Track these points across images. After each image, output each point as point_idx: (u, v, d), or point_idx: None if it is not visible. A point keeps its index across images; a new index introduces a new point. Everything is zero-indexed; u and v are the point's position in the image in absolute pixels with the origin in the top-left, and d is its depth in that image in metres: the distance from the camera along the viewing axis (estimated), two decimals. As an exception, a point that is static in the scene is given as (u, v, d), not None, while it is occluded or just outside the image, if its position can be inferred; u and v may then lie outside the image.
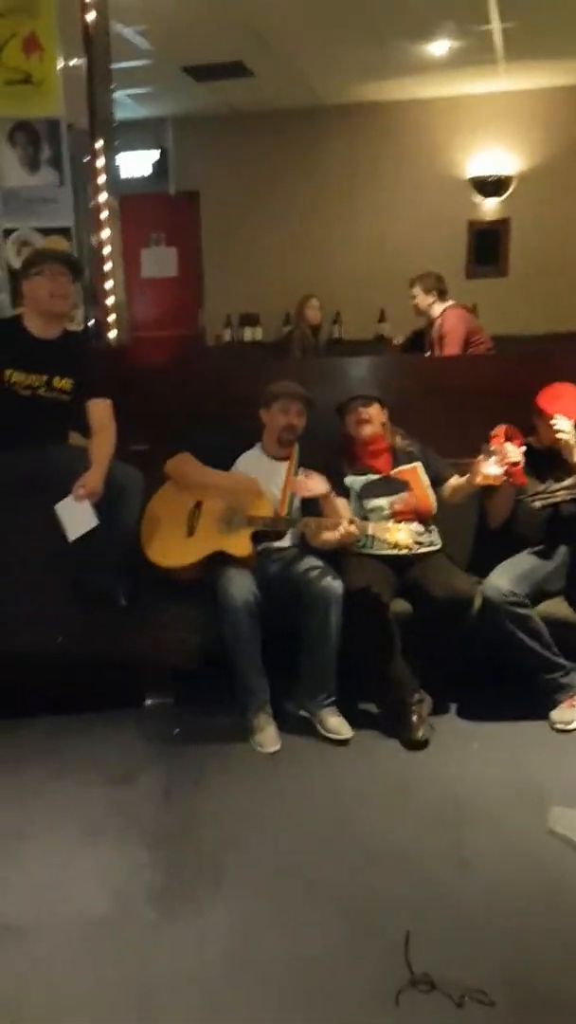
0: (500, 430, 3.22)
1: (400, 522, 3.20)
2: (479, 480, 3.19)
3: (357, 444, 3.45)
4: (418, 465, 3.44)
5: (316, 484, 3.18)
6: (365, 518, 3.29)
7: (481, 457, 3.18)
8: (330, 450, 3.49)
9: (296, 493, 3.24)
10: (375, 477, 3.40)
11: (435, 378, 4.03)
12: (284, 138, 7.23)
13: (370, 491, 3.38)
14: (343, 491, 3.37)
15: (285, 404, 3.38)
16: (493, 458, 3.15)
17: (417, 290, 5.31)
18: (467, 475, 3.28)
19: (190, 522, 3.37)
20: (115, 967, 2.10)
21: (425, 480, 3.41)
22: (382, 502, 3.34)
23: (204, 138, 7.46)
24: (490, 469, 3.15)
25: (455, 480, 3.39)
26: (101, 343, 4.20)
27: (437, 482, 3.43)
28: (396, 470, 3.42)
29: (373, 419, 3.41)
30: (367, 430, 3.40)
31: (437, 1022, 1.90)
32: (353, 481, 3.39)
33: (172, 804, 2.80)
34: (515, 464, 3.15)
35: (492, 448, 3.17)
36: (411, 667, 3.21)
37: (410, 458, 3.46)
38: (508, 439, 3.20)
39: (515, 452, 3.16)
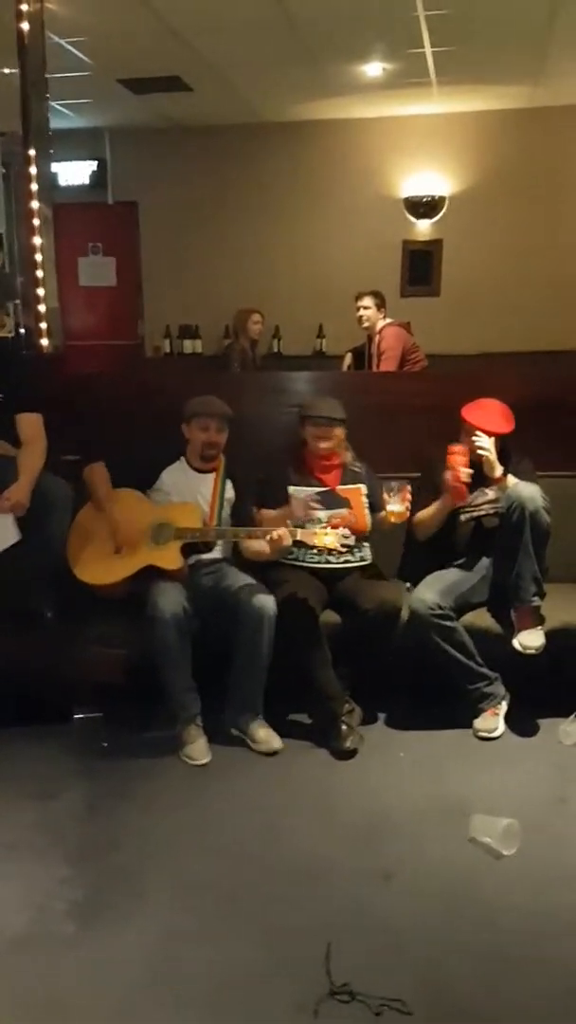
0: (455, 449, 3.29)
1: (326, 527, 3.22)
2: (387, 518, 3.29)
3: (310, 455, 3.48)
4: (362, 487, 3.48)
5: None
6: (301, 526, 3.32)
7: (385, 495, 3.26)
8: (269, 462, 3.50)
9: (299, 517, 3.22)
10: (320, 489, 3.43)
11: (370, 394, 4.08)
12: (223, 152, 7.25)
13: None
14: (285, 498, 3.38)
15: (204, 421, 3.40)
16: (395, 495, 3.24)
17: (368, 302, 5.41)
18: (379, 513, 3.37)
19: (117, 538, 3.34)
20: (32, 984, 2.07)
21: (365, 501, 3.46)
22: (321, 515, 3.35)
23: (142, 149, 7.45)
24: (393, 506, 3.24)
25: (429, 509, 3.42)
26: (32, 351, 4.16)
27: (375, 508, 3.46)
28: (340, 487, 3.46)
29: (334, 438, 3.44)
30: (325, 445, 3.43)
31: (355, 1031, 1.91)
32: (296, 491, 3.39)
33: (97, 819, 2.77)
34: (465, 483, 3.25)
35: (391, 485, 3.26)
36: (341, 678, 3.24)
37: (356, 478, 3.50)
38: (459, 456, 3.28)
39: (466, 472, 3.24)
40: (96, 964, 2.13)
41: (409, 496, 3.24)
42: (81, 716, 3.37)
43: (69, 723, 3.34)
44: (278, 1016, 1.96)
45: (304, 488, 3.42)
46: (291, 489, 3.40)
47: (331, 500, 3.41)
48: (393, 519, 3.28)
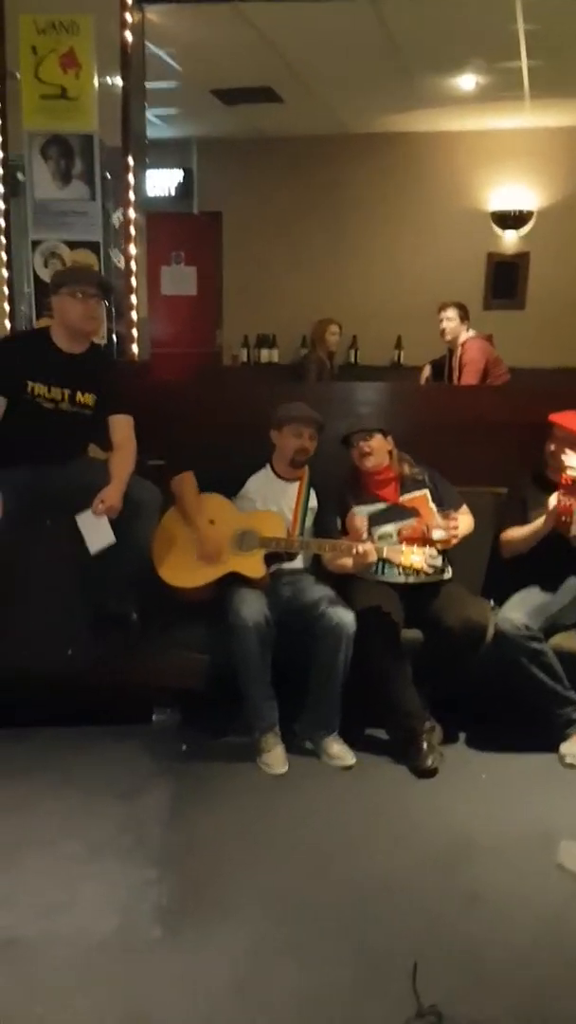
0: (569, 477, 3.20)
1: (413, 546, 3.20)
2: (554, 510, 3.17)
3: (363, 475, 3.45)
4: (426, 492, 3.44)
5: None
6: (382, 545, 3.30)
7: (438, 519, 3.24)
8: (337, 484, 3.49)
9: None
10: (382, 506, 3.40)
11: (450, 407, 4.04)
12: (308, 164, 7.28)
13: (377, 519, 3.37)
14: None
15: (297, 428, 3.38)
16: (442, 522, 3.20)
17: (452, 313, 5.35)
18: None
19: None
20: (118, 986, 2.08)
21: (433, 506, 3.40)
22: (390, 528, 3.33)
23: (229, 160, 7.52)
24: (437, 533, 3.19)
25: (523, 530, 3.34)
26: (124, 358, 4.23)
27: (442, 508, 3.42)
28: (404, 497, 3.43)
29: (376, 451, 3.40)
30: (370, 462, 3.41)
31: (444, 1056, 1.88)
32: (359, 511, 3.37)
33: (179, 822, 2.78)
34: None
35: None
36: (422, 695, 3.20)
37: (418, 485, 3.46)
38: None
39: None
40: (181, 972, 2.13)
41: (456, 527, 3.19)
42: (160, 718, 3.42)
43: (148, 724, 3.39)
44: (365, 1035, 1.94)
45: (365, 507, 3.38)
46: (354, 509, 3.37)
47: (397, 513, 3.38)
48: (439, 546, 3.22)
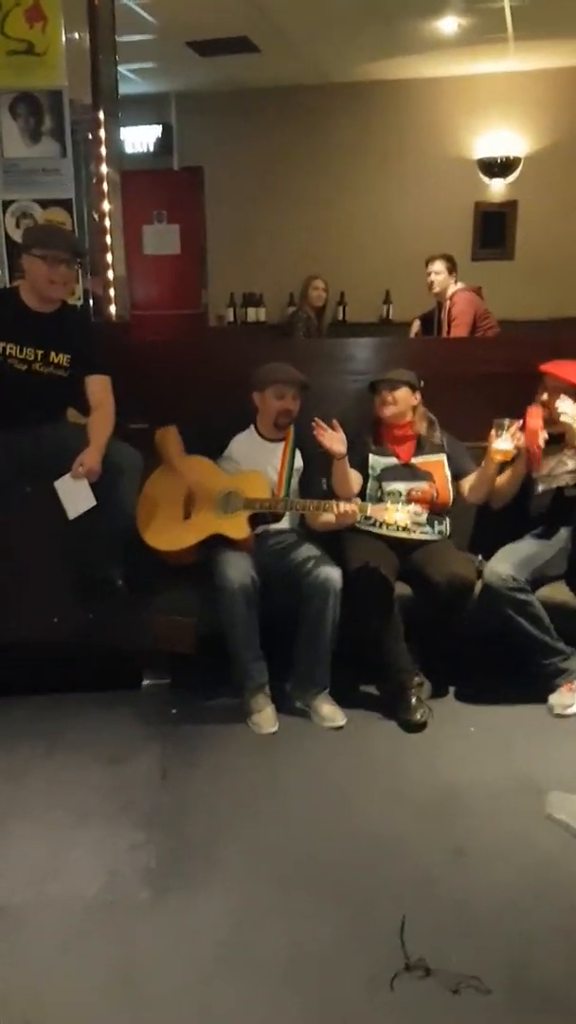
0: (535, 412, 3.21)
1: (397, 504, 3.16)
2: (492, 457, 3.17)
3: (382, 424, 3.42)
4: (443, 458, 3.40)
5: (334, 441, 3.14)
6: (381, 499, 3.27)
7: (492, 432, 3.16)
8: (359, 424, 3.45)
9: (317, 438, 3.17)
10: (397, 463, 3.37)
11: (441, 361, 3.98)
12: (290, 115, 7.11)
13: (390, 475, 3.35)
14: (364, 466, 3.35)
15: (280, 389, 3.33)
16: (504, 433, 3.13)
17: (440, 266, 5.27)
18: (483, 461, 3.26)
19: (186, 505, 3.32)
20: (106, 949, 2.08)
21: (447, 474, 3.38)
22: (400, 486, 3.31)
23: (208, 114, 7.34)
24: (500, 444, 3.14)
25: (503, 476, 3.35)
26: (100, 318, 4.15)
27: (457, 477, 3.40)
28: (419, 459, 3.39)
29: (398, 402, 3.37)
30: (388, 411, 3.37)
31: (432, 1008, 1.88)
32: (375, 462, 3.36)
33: (167, 785, 2.78)
34: (539, 447, 3.15)
35: (503, 422, 3.14)
36: (411, 650, 3.19)
37: (436, 450, 3.42)
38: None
39: (542, 435, 3.15)
40: (170, 932, 2.13)
41: (520, 435, 3.14)
42: (149, 683, 3.41)
43: (137, 690, 3.38)
44: (353, 989, 1.94)
45: (381, 459, 3.37)
46: (371, 459, 3.36)
47: (410, 474, 3.35)
48: (499, 457, 3.18)
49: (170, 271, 7.57)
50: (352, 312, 7.31)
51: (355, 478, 3.29)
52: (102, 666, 3.33)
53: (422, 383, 3.42)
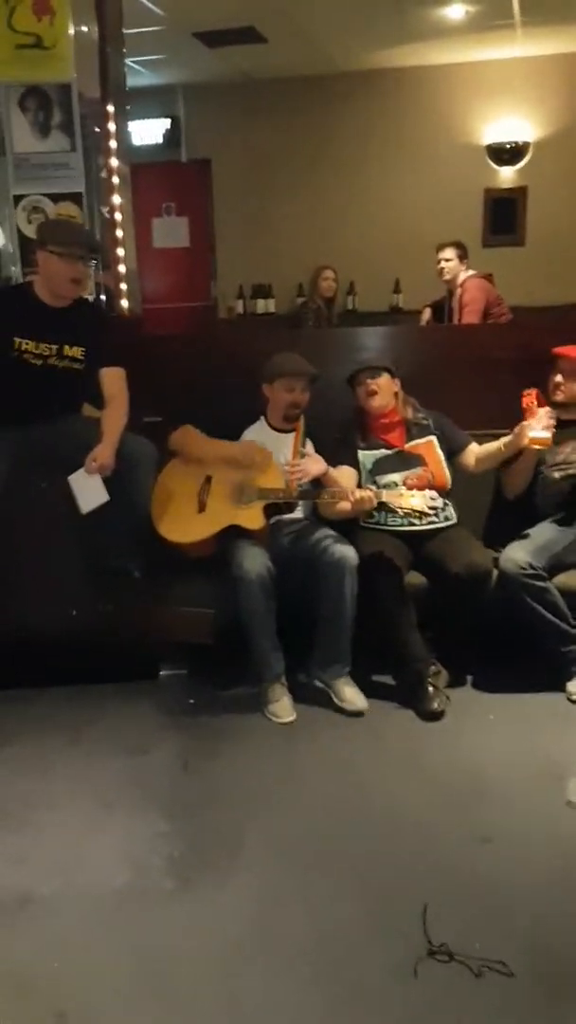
0: (532, 392, 3.19)
1: (412, 489, 3.16)
2: (525, 443, 3.14)
3: (369, 417, 3.41)
4: (432, 439, 3.39)
5: (311, 466, 3.15)
6: (384, 487, 3.26)
7: (529, 421, 3.13)
8: (344, 423, 3.45)
9: (295, 477, 3.17)
10: (388, 452, 3.36)
11: (453, 348, 3.97)
12: (298, 105, 7.09)
13: (383, 466, 3.34)
14: (356, 464, 3.35)
15: (289, 382, 3.33)
16: (541, 422, 3.11)
17: (450, 253, 5.25)
18: (506, 439, 3.23)
19: (201, 497, 3.33)
20: (134, 938, 2.10)
21: (440, 454, 3.36)
22: (395, 477, 3.30)
23: (216, 106, 7.33)
24: (538, 433, 3.11)
25: (487, 447, 3.33)
26: (112, 312, 4.16)
27: (453, 454, 3.39)
28: (410, 444, 3.38)
29: (382, 389, 3.35)
30: (376, 401, 3.36)
31: (456, 992, 1.89)
32: (365, 457, 3.35)
33: (189, 775, 2.80)
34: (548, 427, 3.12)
35: (542, 412, 3.12)
36: (427, 640, 3.20)
37: (424, 431, 3.40)
38: (540, 403, 3.17)
39: (550, 417, 3.12)
40: (196, 920, 2.15)
41: (552, 421, 3.11)
42: (167, 673, 3.43)
43: (155, 680, 3.40)
44: (377, 976, 1.95)
45: (371, 454, 3.35)
46: (360, 455, 3.35)
47: (403, 461, 3.34)
48: (537, 445, 3.14)
49: (180, 264, 7.57)
50: (362, 301, 7.29)
51: (347, 475, 3.29)
52: (120, 658, 3.35)
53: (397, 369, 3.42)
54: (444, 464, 3.35)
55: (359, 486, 3.28)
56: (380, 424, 3.40)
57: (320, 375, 3.35)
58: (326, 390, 3.41)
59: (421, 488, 3.19)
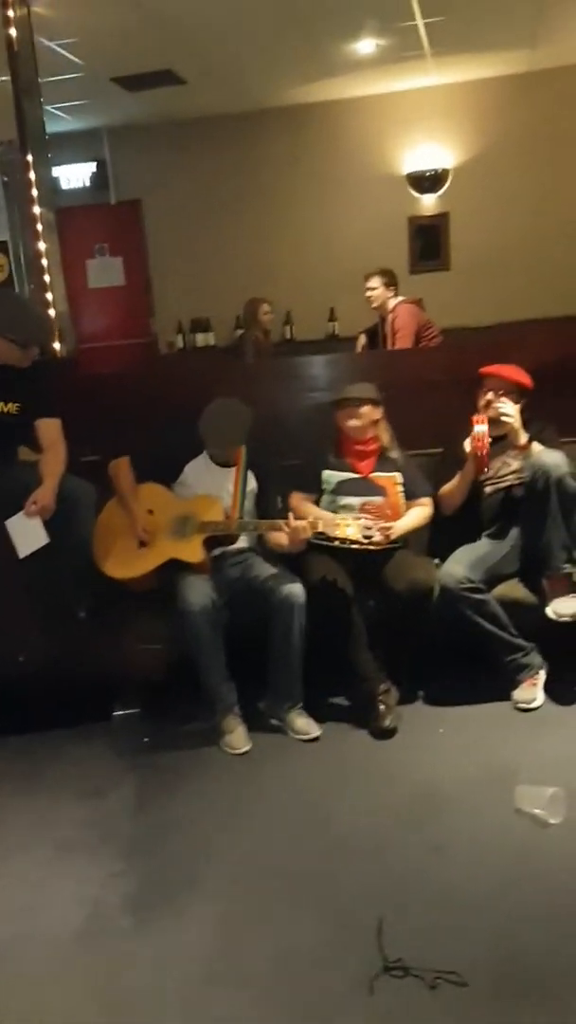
0: (480, 416, 3.29)
1: (347, 518, 3.21)
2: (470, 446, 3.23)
3: (346, 439, 3.47)
4: (396, 475, 3.44)
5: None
6: (335, 512, 3.32)
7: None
8: (310, 444, 3.51)
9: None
10: (352, 476, 3.42)
11: (387, 372, 4.05)
12: (223, 143, 7.22)
13: (345, 488, 3.39)
14: (318, 484, 3.41)
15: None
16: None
17: (377, 282, 5.35)
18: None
19: (140, 532, 3.35)
20: (94, 979, 2.09)
21: (400, 490, 3.42)
22: (353, 501, 3.35)
23: (142, 147, 7.43)
24: (478, 428, 3.20)
25: (448, 486, 3.41)
26: (45, 355, 4.18)
27: (410, 496, 3.43)
28: (375, 474, 3.44)
29: (362, 417, 3.41)
30: (353, 423, 3.41)
31: (412, 1006, 1.91)
32: (329, 476, 3.41)
33: (146, 813, 2.80)
34: (487, 451, 3.21)
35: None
36: (377, 658, 3.24)
37: (391, 466, 3.46)
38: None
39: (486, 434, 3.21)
40: (155, 955, 2.15)
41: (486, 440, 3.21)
42: (120, 713, 3.41)
43: (109, 721, 3.38)
44: (336, 995, 1.97)
45: (336, 474, 3.41)
46: (324, 474, 3.40)
47: (365, 488, 3.40)
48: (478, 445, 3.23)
49: (117, 303, 7.63)
50: (299, 330, 7.41)
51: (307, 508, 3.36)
52: (72, 700, 3.34)
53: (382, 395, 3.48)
54: (402, 502, 3.40)
55: (318, 504, 3.36)
56: (355, 449, 3.45)
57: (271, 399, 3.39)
58: (272, 420, 3.45)
59: (376, 516, 3.24)
